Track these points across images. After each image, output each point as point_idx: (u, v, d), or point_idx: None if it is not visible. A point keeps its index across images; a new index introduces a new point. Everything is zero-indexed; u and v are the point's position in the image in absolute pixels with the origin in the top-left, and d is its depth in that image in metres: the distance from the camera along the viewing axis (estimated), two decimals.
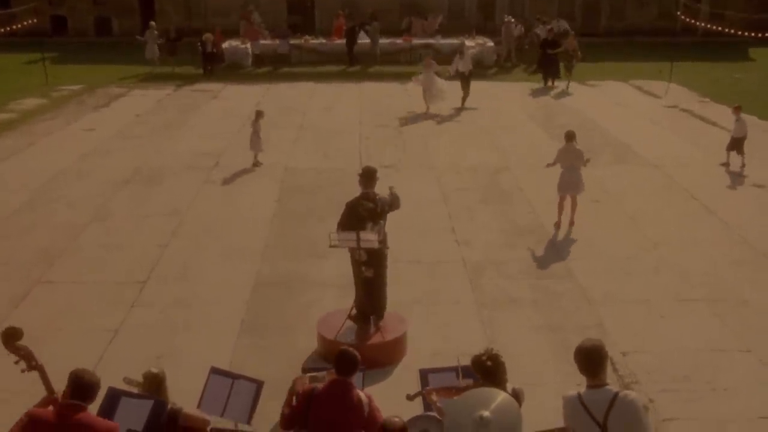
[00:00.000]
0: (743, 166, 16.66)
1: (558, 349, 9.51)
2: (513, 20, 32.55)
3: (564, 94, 25.36)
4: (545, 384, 8.76)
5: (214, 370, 6.88)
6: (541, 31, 30.74)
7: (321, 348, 9.22)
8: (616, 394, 5.24)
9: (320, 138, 19.51)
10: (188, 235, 13.12)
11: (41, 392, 5.83)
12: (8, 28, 29.79)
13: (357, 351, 8.91)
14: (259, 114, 17.26)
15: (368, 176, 9.32)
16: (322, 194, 15.14)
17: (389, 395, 8.49)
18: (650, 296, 10.85)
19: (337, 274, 10.91)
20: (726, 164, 16.87)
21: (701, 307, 10.56)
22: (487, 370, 5.91)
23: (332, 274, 11.13)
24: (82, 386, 5.12)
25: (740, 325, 10.11)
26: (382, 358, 9.00)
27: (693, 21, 29.94)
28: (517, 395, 6.02)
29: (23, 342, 5.75)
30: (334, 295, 10.68)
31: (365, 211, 9.07)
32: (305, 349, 9.37)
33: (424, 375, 6.78)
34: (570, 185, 13.25)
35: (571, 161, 13.18)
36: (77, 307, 10.57)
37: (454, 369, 6.61)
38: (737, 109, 16.94)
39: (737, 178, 16.15)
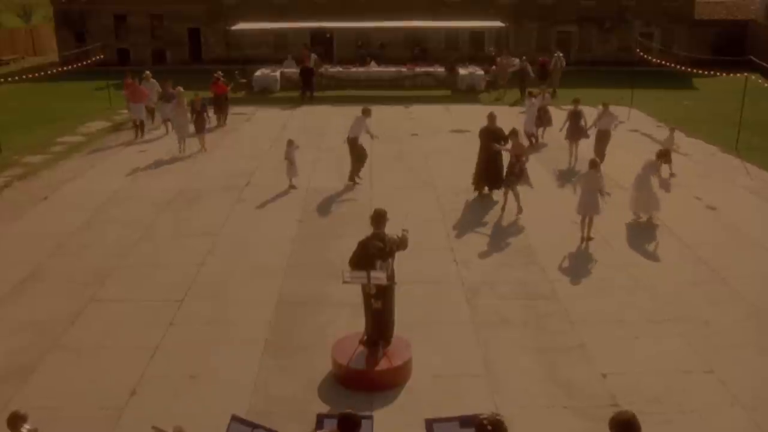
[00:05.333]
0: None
1: (545, 370, 8.66)
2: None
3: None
4: (535, 406, 7.96)
5: (235, 418, 6.03)
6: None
7: (335, 371, 8.41)
8: None
9: (337, 159, 18.45)
10: (221, 253, 12.26)
11: None
12: (83, 63, 29.26)
13: (367, 375, 8.22)
14: (290, 143, 16.04)
15: (379, 218, 8.44)
16: (338, 214, 14.31)
17: (395, 417, 7.73)
18: (624, 317, 9.97)
19: (350, 293, 9.96)
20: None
21: (669, 328, 9.69)
22: None
23: (346, 293, 10.17)
24: None
25: (703, 345, 9.25)
26: (390, 382, 8.21)
27: (646, 56, 28.93)
28: None
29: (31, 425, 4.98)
30: (348, 315, 9.84)
31: (375, 250, 8.21)
32: (322, 370, 8.56)
33: (429, 425, 5.94)
34: (587, 207, 12.61)
35: (590, 186, 12.55)
36: (123, 325, 9.76)
37: (458, 419, 5.79)
38: (672, 129, 18.02)
39: (693, 201, 15.20)
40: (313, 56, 31.10)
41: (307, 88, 28.94)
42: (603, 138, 17.39)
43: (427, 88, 31.35)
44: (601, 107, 17.56)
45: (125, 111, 24.18)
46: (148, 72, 23.36)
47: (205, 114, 19.72)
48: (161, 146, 20.36)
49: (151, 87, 22.52)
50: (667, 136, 17.72)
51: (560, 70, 29.50)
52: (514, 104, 26.68)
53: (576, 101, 18.17)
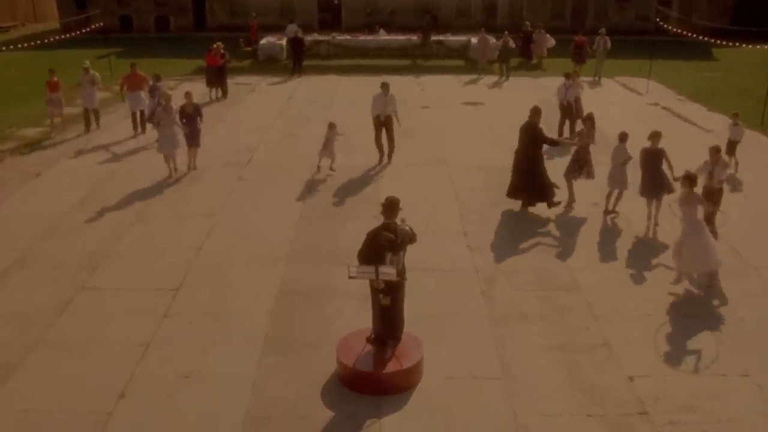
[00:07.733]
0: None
1: (567, 372, 8.00)
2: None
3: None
4: (557, 413, 7.32)
5: None
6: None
7: (340, 372, 7.79)
8: None
9: (346, 134, 17.59)
10: (220, 237, 11.58)
11: None
12: (84, 30, 28.48)
13: (375, 377, 7.59)
14: (331, 126, 14.86)
15: (390, 207, 7.71)
16: (345, 193, 13.61)
17: (405, 423, 7.13)
18: (651, 311, 9.28)
19: (357, 283, 9.16)
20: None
21: (699, 324, 8.99)
22: None
23: (353, 282, 9.35)
24: None
25: (737, 344, 8.57)
26: (400, 384, 7.57)
27: (665, 24, 27.85)
28: None
29: None
30: (354, 306, 9.20)
31: (386, 242, 7.50)
32: (326, 370, 7.93)
33: None
34: (615, 181, 12.20)
35: (617, 159, 12.10)
36: (114, 317, 9.12)
37: None
38: (735, 116, 15.31)
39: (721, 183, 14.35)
40: (292, 26, 28.61)
41: (296, 61, 27.01)
42: (716, 196, 11.10)
43: (439, 58, 30.50)
44: (709, 157, 11.07)
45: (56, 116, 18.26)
46: (87, 62, 19.28)
47: (199, 119, 14.87)
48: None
49: (92, 80, 18.23)
50: (730, 124, 15.28)
51: (605, 52, 25.53)
52: (494, 85, 25.47)
53: (656, 135, 11.60)
